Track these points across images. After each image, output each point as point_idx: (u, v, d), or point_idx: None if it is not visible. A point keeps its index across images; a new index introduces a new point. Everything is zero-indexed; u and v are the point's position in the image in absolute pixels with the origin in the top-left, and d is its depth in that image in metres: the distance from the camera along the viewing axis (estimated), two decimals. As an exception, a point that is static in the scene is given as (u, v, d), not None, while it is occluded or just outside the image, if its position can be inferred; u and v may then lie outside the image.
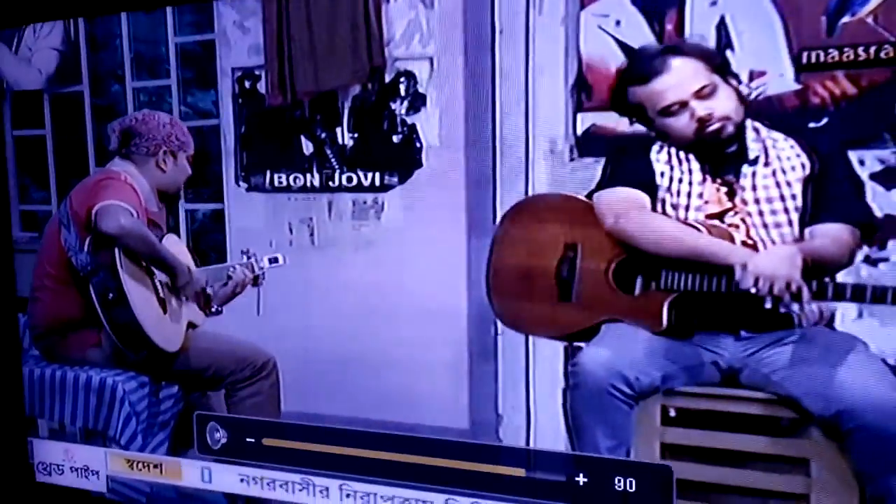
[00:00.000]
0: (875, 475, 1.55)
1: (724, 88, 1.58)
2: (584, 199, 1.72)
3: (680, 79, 1.60)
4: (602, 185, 1.70)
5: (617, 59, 1.70)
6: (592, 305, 1.72)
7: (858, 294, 1.51)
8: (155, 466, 2.28)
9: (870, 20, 1.55)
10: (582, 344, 1.77)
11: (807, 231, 1.57)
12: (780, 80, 1.57)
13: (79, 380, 2.28)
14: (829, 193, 1.55)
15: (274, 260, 2.15)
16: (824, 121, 1.55)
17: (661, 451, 1.71)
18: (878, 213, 1.54)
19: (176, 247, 2.22)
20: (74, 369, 2.28)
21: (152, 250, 2.15)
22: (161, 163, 2.19)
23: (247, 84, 2.12)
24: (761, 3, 1.58)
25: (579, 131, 1.76)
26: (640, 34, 1.68)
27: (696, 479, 1.68)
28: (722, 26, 1.61)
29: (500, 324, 1.86)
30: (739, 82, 1.57)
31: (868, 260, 1.57)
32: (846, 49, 1.53)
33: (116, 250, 2.12)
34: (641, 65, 1.64)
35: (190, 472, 2.22)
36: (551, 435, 1.84)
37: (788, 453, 1.63)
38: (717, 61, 1.59)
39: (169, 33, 2.17)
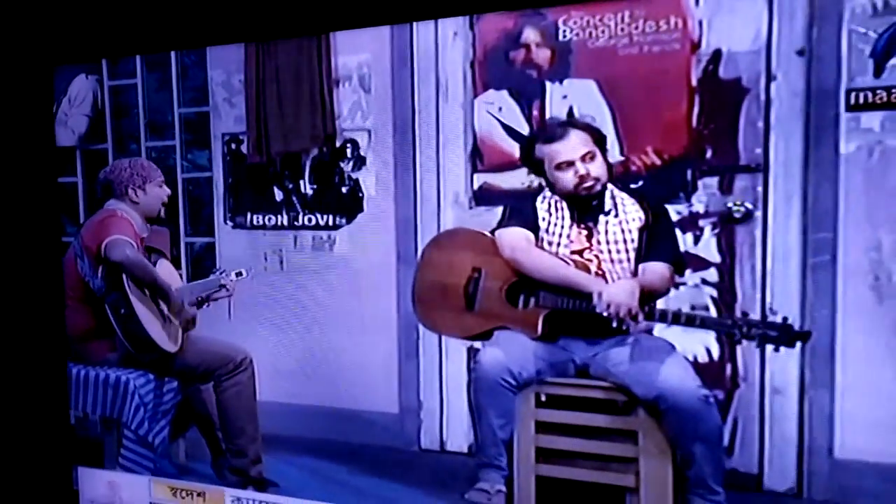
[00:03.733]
0: (682, 443, 2.06)
1: (599, 157, 2.15)
2: (488, 234, 2.28)
3: (573, 144, 2.15)
4: (501, 223, 2.25)
5: (500, 135, 2.35)
6: (489, 315, 2.24)
7: (672, 318, 2.07)
8: (199, 494, 2.47)
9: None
10: (479, 345, 2.35)
11: (640, 267, 2.12)
12: (610, 152, 2.19)
13: (98, 377, 2.73)
14: (656, 238, 2.09)
15: (239, 273, 2.70)
16: (640, 182, 2.17)
17: (535, 427, 2.28)
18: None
19: (167, 270, 2.79)
20: (95, 369, 2.70)
21: (149, 276, 2.59)
22: (134, 196, 2.66)
23: (233, 146, 2.77)
24: (596, 98, 2.21)
25: (475, 187, 2.41)
26: (515, 117, 2.32)
27: (558, 448, 2.25)
28: (571, 113, 2.24)
29: (421, 329, 2.46)
30: (607, 154, 2.14)
31: (673, 284, 2.18)
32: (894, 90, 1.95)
33: (124, 275, 2.66)
34: (549, 130, 2.19)
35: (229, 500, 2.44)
36: (458, 416, 2.46)
37: (623, 427, 2.15)
38: (599, 136, 2.16)
39: (174, 105, 2.84)
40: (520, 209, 2.22)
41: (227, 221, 2.78)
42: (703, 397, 2.04)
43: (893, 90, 1.95)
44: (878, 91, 1.96)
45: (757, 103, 2.09)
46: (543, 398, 2.26)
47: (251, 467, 2.75)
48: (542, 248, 2.19)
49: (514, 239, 2.19)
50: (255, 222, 2.73)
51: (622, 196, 2.17)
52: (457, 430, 2.49)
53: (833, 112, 2.01)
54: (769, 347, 2.02)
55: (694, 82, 2.14)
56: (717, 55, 2.13)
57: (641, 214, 2.14)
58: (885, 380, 2.01)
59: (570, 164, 2.14)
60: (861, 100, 1.98)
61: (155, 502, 2.51)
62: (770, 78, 2.08)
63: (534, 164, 2.21)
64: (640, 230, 2.13)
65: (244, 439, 2.73)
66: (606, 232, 2.15)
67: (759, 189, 2.11)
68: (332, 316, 2.60)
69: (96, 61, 2.91)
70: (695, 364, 2.13)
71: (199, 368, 2.71)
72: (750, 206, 2.13)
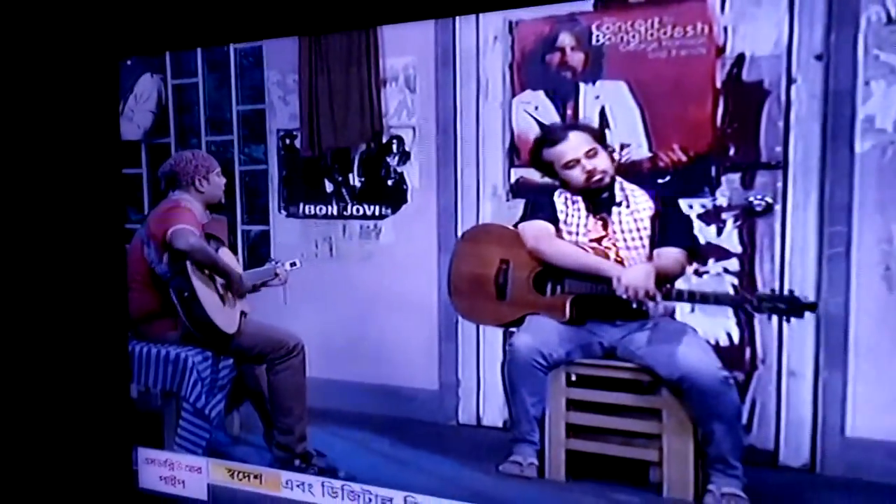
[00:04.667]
0: (703, 421, 2.26)
1: (602, 153, 2.36)
2: (512, 227, 2.50)
3: (575, 144, 2.37)
4: (524, 218, 2.46)
5: (536, 132, 2.55)
6: (520, 303, 2.45)
7: (688, 297, 2.28)
8: (255, 477, 2.53)
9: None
10: (514, 329, 2.56)
11: (655, 252, 2.31)
12: (639, 149, 2.38)
13: (160, 354, 2.94)
14: (667, 227, 2.31)
15: (293, 263, 2.93)
16: (668, 178, 2.36)
17: (566, 405, 2.49)
18: (702, 241, 2.33)
19: (227, 256, 3.05)
20: (157, 346, 2.92)
21: (212, 261, 2.80)
22: (199, 186, 2.87)
23: (287, 141, 3.02)
24: (627, 98, 2.40)
25: (512, 181, 2.62)
26: (551, 116, 2.52)
27: (588, 425, 2.45)
28: (603, 112, 2.44)
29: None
30: (611, 150, 2.37)
31: (697, 272, 2.36)
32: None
33: (187, 262, 2.87)
34: (551, 134, 2.43)
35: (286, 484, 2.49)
36: (493, 393, 2.67)
37: (647, 405, 2.34)
38: (597, 134, 2.38)
39: (233, 103, 3.09)
40: (540, 203, 2.42)
41: (282, 211, 3.04)
42: (724, 378, 2.22)
43: None
44: None
45: (778, 104, 2.27)
46: (573, 378, 2.46)
47: (297, 444, 2.91)
48: (562, 238, 2.38)
49: (537, 231, 2.39)
50: (307, 212, 2.97)
51: (632, 188, 2.35)
52: (492, 407, 2.71)
53: (849, 113, 2.18)
54: (785, 331, 2.20)
55: (718, 84, 2.32)
56: (740, 59, 2.31)
57: (651, 204, 2.32)
58: (895, 363, 2.17)
59: (577, 161, 2.34)
60: None
61: (213, 483, 2.57)
62: (790, 81, 2.26)
63: (544, 166, 2.42)
64: (652, 219, 2.32)
65: (292, 418, 2.91)
66: (620, 222, 2.34)
67: (779, 185, 2.29)
68: (377, 299, 2.83)
69: (159, 54, 3.16)
70: (716, 347, 2.31)
71: (253, 351, 2.95)
72: (770, 200, 2.31)
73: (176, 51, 3.13)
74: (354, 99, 2.83)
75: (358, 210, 2.90)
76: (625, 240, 2.33)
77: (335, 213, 2.94)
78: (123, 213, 3.27)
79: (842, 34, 2.18)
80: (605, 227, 2.36)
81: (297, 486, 2.70)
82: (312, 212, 2.97)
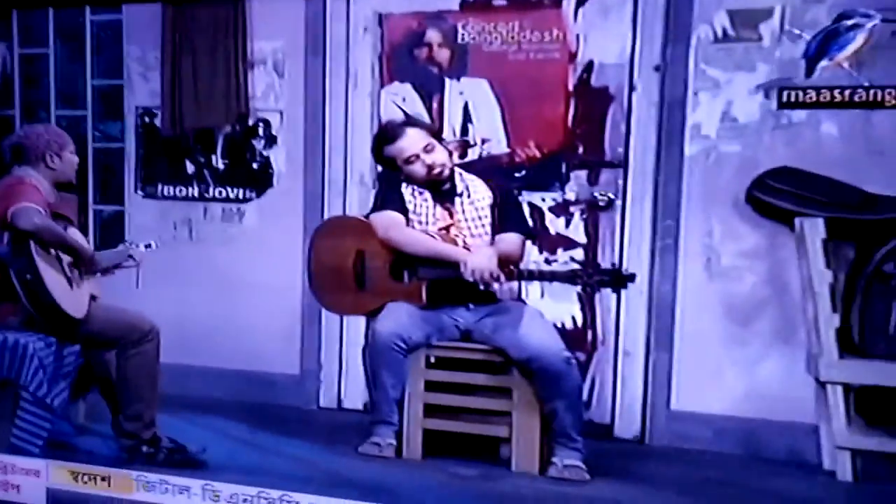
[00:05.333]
0: (548, 398, 2.43)
1: (439, 147, 2.43)
2: (363, 218, 2.52)
3: (413, 140, 2.42)
4: (374, 209, 2.49)
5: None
6: (379, 291, 2.48)
7: (528, 276, 2.42)
8: (103, 479, 2.18)
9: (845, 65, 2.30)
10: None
11: (496, 238, 2.43)
12: (499, 144, 2.58)
13: None
14: (505, 215, 2.42)
15: (147, 245, 2.75)
16: (523, 172, 2.57)
17: (424, 386, 2.61)
18: (552, 231, 2.55)
19: (78, 238, 2.93)
20: None
21: (61, 239, 2.73)
22: (50, 163, 2.58)
23: (146, 119, 2.97)
24: (489, 95, 2.59)
25: (379, 169, 2.73)
26: (417, 107, 2.67)
27: (444, 405, 2.59)
28: (466, 108, 2.61)
29: None
30: (446, 143, 2.46)
31: (546, 261, 2.59)
32: (823, 90, 2.33)
33: (31, 242, 2.78)
34: (390, 132, 2.47)
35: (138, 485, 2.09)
36: (355, 377, 2.77)
37: (500, 385, 2.46)
38: (433, 129, 2.49)
39: (88, 76, 3.00)
40: (389, 195, 2.49)
41: (138, 191, 2.98)
42: (567, 358, 2.40)
43: (822, 90, 2.36)
44: (808, 91, 2.36)
45: (621, 109, 2.54)
46: (432, 360, 2.59)
47: (144, 430, 2.83)
48: (412, 227, 2.45)
49: (387, 221, 2.44)
50: (165, 193, 2.93)
51: (471, 178, 2.49)
52: (353, 390, 2.81)
53: (680, 120, 2.48)
54: (622, 315, 2.46)
55: (570, 87, 2.56)
56: (590, 65, 2.56)
57: (490, 193, 2.46)
58: (714, 344, 2.49)
59: (416, 157, 2.42)
60: (793, 98, 2.37)
61: (53, 487, 2.28)
62: (632, 88, 2.53)
63: (387, 162, 2.51)
64: (491, 207, 2.45)
65: (141, 404, 2.77)
66: (463, 211, 2.46)
67: (620, 182, 2.56)
68: (239, 284, 2.85)
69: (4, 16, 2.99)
70: (561, 330, 2.53)
71: (103, 336, 2.78)
72: (612, 196, 2.58)
73: (23, 9, 2.96)
74: (220, 79, 2.83)
75: (221, 193, 2.90)
76: (469, 227, 2.46)
77: (196, 194, 2.92)
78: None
79: (676, 49, 2.47)
80: (450, 215, 2.47)
81: (150, 486, 2.53)
82: (172, 193, 2.93)
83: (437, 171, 2.41)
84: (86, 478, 2.32)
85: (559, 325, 2.55)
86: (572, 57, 2.55)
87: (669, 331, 2.51)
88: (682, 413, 2.53)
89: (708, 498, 2.27)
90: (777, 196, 2.39)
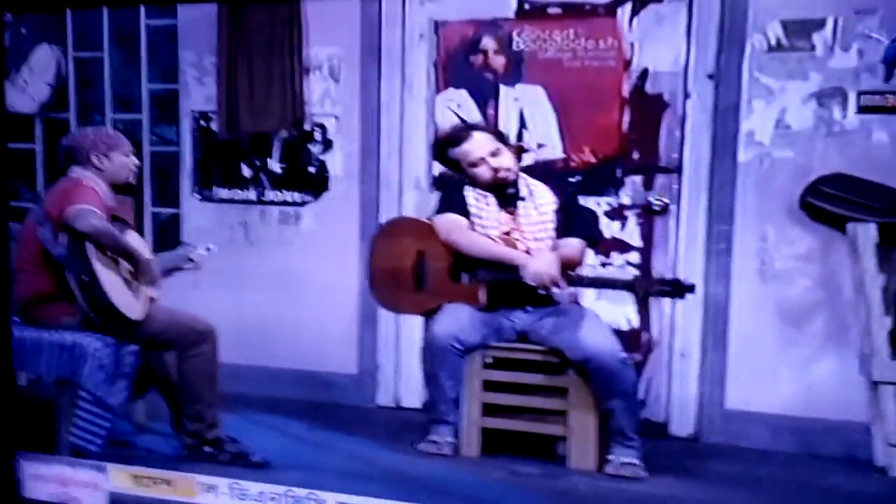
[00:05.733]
0: (604, 397, 2.50)
1: (506, 151, 2.52)
2: (426, 220, 2.61)
3: (479, 143, 2.50)
4: (438, 211, 2.57)
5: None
6: (437, 292, 2.57)
7: (588, 283, 2.52)
8: (166, 482, 2.23)
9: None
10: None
11: (558, 242, 2.51)
12: (554, 150, 2.66)
13: (54, 340, 2.90)
14: (568, 220, 2.50)
15: (208, 248, 2.81)
16: (578, 177, 2.65)
17: (482, 386, 2.70)
18: (607, 235, 2.64)
19: (134, 239, 3.00)
20: (50, 332, 2.95)
21: (117, 244, 2.68)
22: (97, 163, 2.61)
23: (202, 122, 3.05)
24: (543, 102, 2.67)
25: (435, 173, 2.82)
26: (473, 114, 2.75)
27: (502, 404, 2.67)
28: (521, 114, 2.69)
29: None
30: (514, 148, 2.53)
31: (602, 265, 2.67)
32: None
33: (88, 243, 2.84)
34: (455, 135, 2.55)
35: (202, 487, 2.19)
36: (412, 377, 2.87)
37: (556, 385, 2.55)
38: (499, 134, 2.54)
39: (143, 81, 3.08)
40: (452, 198, 2.57)
41: (194, 194, 3.06)
42: (623, 359, 2.48)
43: None
44: (888, 95, 2.42)
45: (675, 116, 2.63)
46: (489, 360, 2.64)
47: (207, 431, 2.84)
48: (474, 230, 2.53)
49: (450, 223, 2.53)
50: (222, 196, 3.02)
51: (535, 183, 2.57)
52: (411, 389, 2.90)
53: (734, 127, 2.56)
54: (678, 319, 2.55)
55: (625, 94, 2.64)
56: (644, 73, 2.64)
57: (554, 198, 2.54)
58: (767, 346, 2.58)
59: (482, 160, 2.51)
60: (871, 103, 2.44)
61: (115, 491, 2.28)
62: (686, 96, 2.61)
63: (451, 164, 2.58)
64: (556, 212, 2.53)
65: (202, 405, 2.80)
66: (527, 215, 2.53)
67: (675, 187, 2.65)
68: (296, 285, 2.93)
69: (55, 12, 3.03)
70: (617, 331, 2.59)
71: (162, 337, 2.77)
72: (667, 200, 2.66)
73: (75, 8, 3.03)
74: (276, 85, 2.90)
75: (277, 196, 2.99)
76: (531, 231, 2.53)
77: (253, 198, 3.01)
78: (10, 190, 3.16)
79: (730, 57, 2.55)
80: (513, 219, 2.55)
81: (211, 490, 2.33)
82: (228, 196, 3.02)
83: (502, 174, 2.48)
84: (147, 480, 2.35)
85: (615, 327, 2.63)
86: (627, 64, 2.63)
87: (723, 332, 2.61)
88: (736, 412, 2.63)
89: (761, 494, 2.37)
90: (830, 202, 2.48)
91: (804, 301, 2.55)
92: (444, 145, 2.57)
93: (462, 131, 2.56)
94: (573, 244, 2.49)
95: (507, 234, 2.52)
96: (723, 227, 2.59)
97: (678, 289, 2.33)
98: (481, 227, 2.52)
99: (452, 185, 2.60)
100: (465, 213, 2.52)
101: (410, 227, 2.64)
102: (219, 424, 2.82)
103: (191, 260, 2.84)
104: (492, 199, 2.52)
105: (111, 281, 2.84)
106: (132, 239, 2.94)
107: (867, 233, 2.40)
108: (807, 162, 2.51)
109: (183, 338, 2.71)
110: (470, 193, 2.53)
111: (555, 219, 2.51)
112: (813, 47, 2.48)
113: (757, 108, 2.55)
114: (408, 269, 2.59)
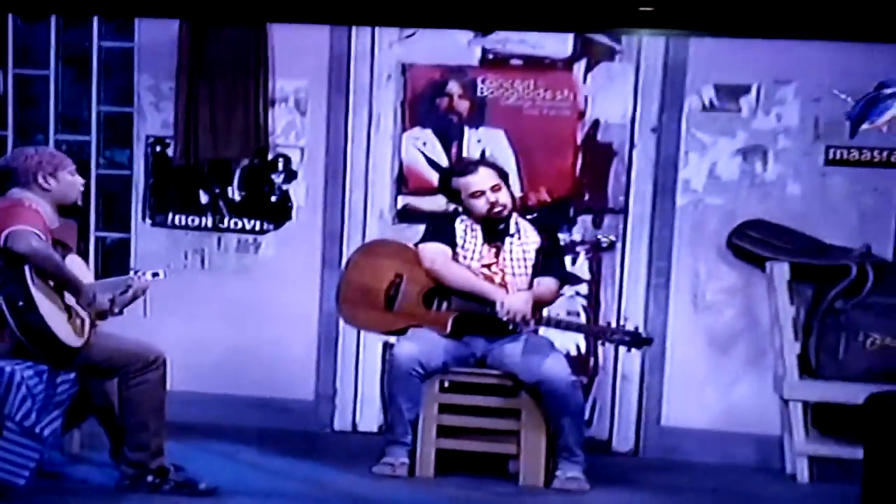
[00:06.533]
0: (554, 417, 2.71)
1: (505, 189, 2.72)
2: (412, 246, 2.77)
3: (483, 177, 2.69)
4: (424, 239, 2.75)
5: (423, 166, 2.99)
6: (406, 315, 2.73)
7: (555, 324, 2.74)
8: None
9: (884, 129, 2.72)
10: (394, 339, 2.89)
11: (535, 280, 2.73)
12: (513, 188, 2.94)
13: None
14: (548, 259, 2.72)
15: (155, 274, 2.72)
16: (535, 214, 2.94)
17: (439, 409, 2.88)
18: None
19: (77, 264, 2.92)
20: None
21: (57, 269, 2.44)
22: (44, 184, 2.54)
23: (157, 148, 3.06)
24: (504, 145, 2.96)
25: (399, 206, 3.02)
26: (437, 152, 2.98)
27: (457, 426, 2.86)
28: (482, 155, 2.96)
29: (341, 325, 2.95)
30: (511, 188, 2.73)
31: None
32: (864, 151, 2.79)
33: (26, 266, 2.73)
34: (463, 166, 2.79)
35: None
36: (370, 401, 3.02)
37: (510, 406, 2.77)
38: (502, 173, 2.76)
39: (93, 102, 3.06)
40: (440, 228, 2.76)
41: (146, 219, 3.06)
42: (573, 382, 2.76)
43: (864, 150, 2.85)
44: (852, 150, 2.85)
45: (622, 163, 2.99)
46: (447, 384, 2.84)
47: (151, 460, 2.80)
48: (457, 261, 2.73)
49: (435, 252, 2.71)
50: (176, 222, 3.04)
51: (524, 223, 2.81)
52: (368, 413, 3.05)
53: (673, 175, 2.95)
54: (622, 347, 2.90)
55: (579, 141, 2.98)
56: (596, 123, 2.98)
57: (538, 238, 2.78)
58: (698, 368, 2.97)
59: (482, 193, 2.70)
60: (838, 156, 2.86)
61: None
62: (632, 146, 2.98)
63: (451, 193, 2.78)
64: (537, 251, 2.76)
65: (146, 434, 2.69)
66: (511, 251, 2.75)
67: (621, 226, 3.00)
68: (253, 312, 3.00)
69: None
70: (567, 357, 2.88)
71: (104, 364, 2.65)
72: (613, 238, 3.01)
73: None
74: (239, 114, 2.98)
75: (236, 224, 3.05)
76: (512, 267, 2.75)
77: (209, 224, 3.06)
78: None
79: (671, 114, 2.94)
80: (497, 254, 2.75)
81: None
82: (184, 222, 3.05)
83: (497, 209, 2.69)
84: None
85: (565, 353, 2.92)
86: (581, 115, 2.97)
87: (661, 357, 2.98)
88: (671, 428, 2.99)
89: (691, 500, 2.71)
90: (752, 243, 2.91)
91: (730, 329, 2.97)
92: (450, 174, 2.77)
93: (470, 164, 2.78)
94: (549, 284, 2.73)
95: (487, 267, 2.73)
96: (662, 264, 2.97)
97: (637, 340, 2.60)
98: (463, 258, 2.71)
99: (442, 216, 2.81)
100: (452, 243, 2.71)
101: (393, 250, 2.81)
102: (163, 453, 2.76)
103: (129, 287, 2.73)
104: (479, 232, 2.73)
105: (49, 306, 2.70)
106: (74, 263, 2.82)
107: (782, 271, 2.84)
108: (733, 208, 2.93)
109: (127, 365, 2.64)
110: (460, 225, 2.73)
111: (535, 257, 2.73)
112: (740, 109, 2.92)
113: (692, 159, 2.96)
114: (382, 288, 2.74)
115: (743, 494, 2.77)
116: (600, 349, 3.00)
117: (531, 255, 2.74)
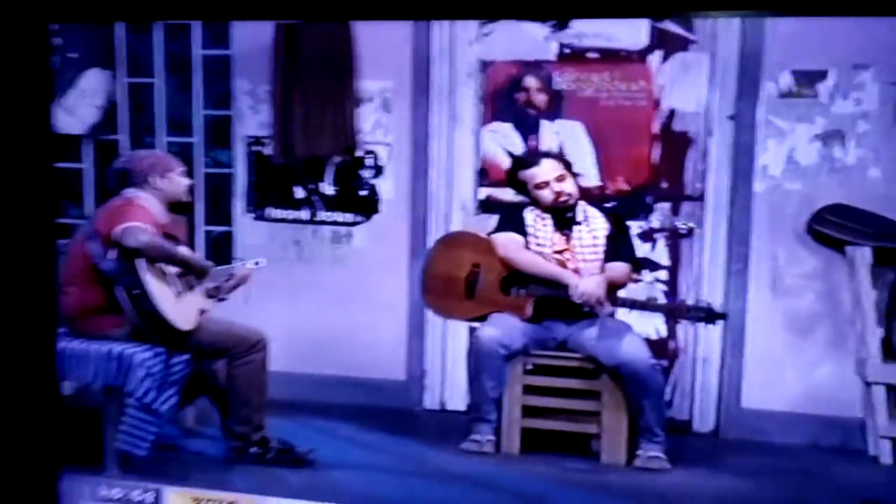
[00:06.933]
0: (635, 399, 2.84)
1: (570, 178, 2.88)
2: (486, 237, 2.95)
3: (546, 169, 2.86)
4: (497, 229, 2.92)
5: (502, 158, 3.14)
6: (486, 302, 2.91)
7: (630, 304, 2.87)
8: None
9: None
10: (477, 325, 3.06)
11: (606, 265, 2.88)
12: (591, 179, 3.06)
13: (101, 350, 2.75)
14: (618, 245, 2.87)
15: (257, 262, 3.03)
16: (614, 203, 3.05)
17: (524, 390, 3.04)
18: (639, 255, 3.04)
19: (186, 252, 3.18)
20: (98, 343, 2.78)
21: (169, 255, 2.75)
22: (155, 184, 2.82)
23: (256, 147, 3.32)
24: (582, 136, 3.07)
25: (480, 197, 3.18)
26: (516, 145, 3.12)
27: (541, 406, 3.02)
28: (560, 147, 3.08)
29: (427, 312, 3.17)
30: (578, 177, 2.94)
31: (634, 280, 3.07)
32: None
33: (139, 259, 2.71)
34: (527, 159, 2.93)
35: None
36: (457, 382, 3.21)
37: (591, 388, 2.91)
38: (566, 163, 2.91)
39: (198, 106, 3.33)
40: (511, 218, 2.92)
41: (248, 213, 3.32)
42: (652, 365, 2.85)
43: None
44: None
45: (698, 151, 3.06)
46: (530, 366, 2.99)
47: (253, 433, 3.06)
48: (529, 249, 2.89)
49: (508, 241, 2.89)
50: (274, 216, 3.29)
51: (592, 210, 2.94)
52: (455, 394, 3.24)
53: (750, 161, 3.00)
54: (700, 329, 2.98)
55: (655, 131, 3.06)
56: (672, 113, 3.06)
57: (607, 225, 2.92)
58: (778, 352, 3.03)
59: (546, 184, 2.87)
60: None
61: None
62: (708, 133, 3.05)
63: (518, 185, 2.93)
64: (606, 238, 2.90)
65: (249, 409, 2.88)
66: (581, 238, 2.90)
67: (699, 213, 3.08)
68: (347, 299, 3.23)
69: (102, 22, 3.14)
70: (647, 340, 2.97)
71: (213, 346, 2.91)
72: (692, 225, 3.10)
73: (126, 22, 3.21)
74: (329, 115, 3.19)
75: (329, 217, 3.28)
76: (583, 253, 2.90)
77: (305, 217, 3.30)
78: (56, 208, 3.33)
79: (747, 101, 2.99)
80: (567, 241, 2.91)
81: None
82: (281, 216, 3.30)
83: (563, 199, 2.84)
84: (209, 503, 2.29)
85: (646, 336, 3.02)
86: (656, 105, 3.06)
87: (740, 341, 3.05)
88: (750, 410, 3.07)
89: (772, 481, 2.78)
90: (832, 228, 2.94)
91: (809, 313, 3.01)
92: (516, 167, 2.92)
93: (534, 156, 2.93)
94: (620, 268, 2.85)
95: (559, 253, 2.87)
96: (741, 249, 3.03)
97: (711, 315, 2.72)
98: (536, 246, 2.86)
99: (513, 207, 2.95)
100: (523, 232, 2.87)
101: (469, 241, 2.99)
102: (265, 427, 2.99)
103: (232, 275, 2.98)
104: (549, 220, 2.87)
105: (162, 294, 2.95)
106: (184, 251, 3.08)
107: (863, 255, 2.86)
108: (812, 193, 2.97)
109: (233, 347, 2.88)
110: (530, 214, 2.88)
111: (605, 243, 2.86)
112: (817, 95, 2.95)
113: (770, 146, 3.00)
114: (461, 278, 2.92)
115: (825, 475, 2.82)
116: (680, 333, 3.09)
117: (601, 241, 2.87)
